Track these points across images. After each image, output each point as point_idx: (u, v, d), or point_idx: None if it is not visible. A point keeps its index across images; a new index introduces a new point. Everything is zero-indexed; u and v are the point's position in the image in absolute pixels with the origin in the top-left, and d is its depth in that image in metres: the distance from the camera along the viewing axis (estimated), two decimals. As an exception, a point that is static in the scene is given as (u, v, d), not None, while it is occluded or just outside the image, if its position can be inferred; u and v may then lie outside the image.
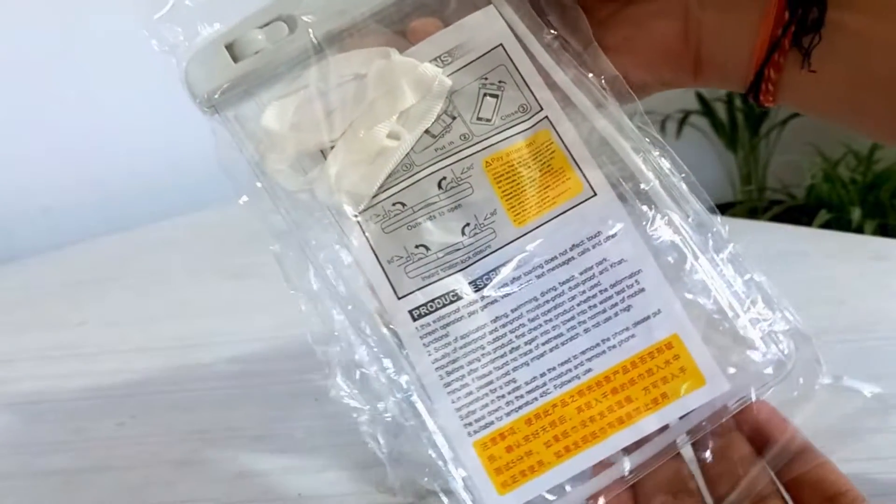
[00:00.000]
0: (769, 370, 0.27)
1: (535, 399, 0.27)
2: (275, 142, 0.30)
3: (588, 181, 0.29)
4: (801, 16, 0.28)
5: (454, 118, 0.30)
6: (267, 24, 0.30)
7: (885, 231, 1.31)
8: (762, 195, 1.60)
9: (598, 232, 0.28)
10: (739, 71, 0.30)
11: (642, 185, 0.29)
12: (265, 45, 0.30)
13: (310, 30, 0.30)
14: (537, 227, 0.29)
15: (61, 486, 0.41)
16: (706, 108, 1.57)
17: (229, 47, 0.30)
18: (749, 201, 1.59)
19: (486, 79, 0.30)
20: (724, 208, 1.55)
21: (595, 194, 0.29)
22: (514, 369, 0.28)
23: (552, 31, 0.30)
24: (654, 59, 0.31)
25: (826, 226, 1.32)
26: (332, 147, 0.30)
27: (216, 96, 0.30)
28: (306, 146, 0.30)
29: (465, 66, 0.30)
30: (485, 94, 0.30)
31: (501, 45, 0.30)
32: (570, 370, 0.27)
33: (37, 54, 0.90)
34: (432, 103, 0.30)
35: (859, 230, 1.28)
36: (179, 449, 0.43)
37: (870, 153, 1.42)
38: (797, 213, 1.44)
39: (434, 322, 0.28)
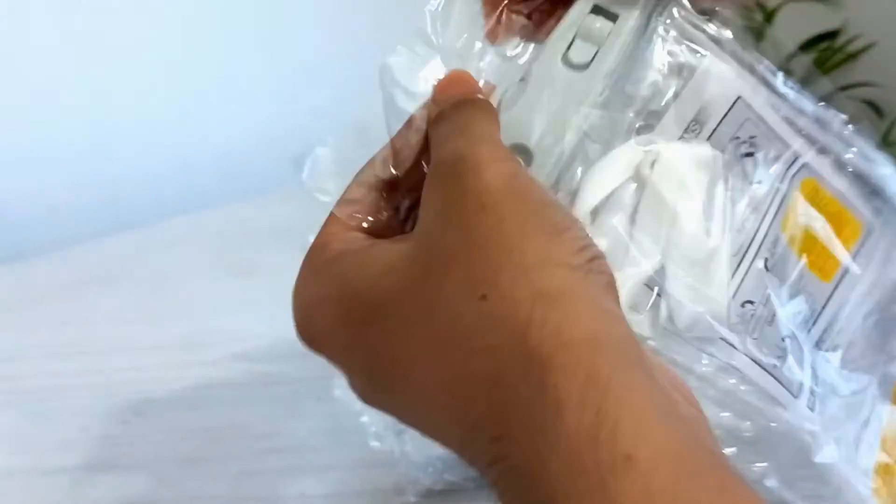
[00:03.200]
0: None
1: None
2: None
3: (863, 219, 0.29)
4: None
5: (731, 190, 0.27)
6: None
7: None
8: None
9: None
10: None
11: None
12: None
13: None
14: (843, 276, 0.28)
15: (67, 484, 0.41)
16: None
17: None
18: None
19: (737, 138, 0.27)
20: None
21: (875, 229, 0.29)
22: None
23: (785, 76, 0.28)
24: None
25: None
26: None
27: None
28: (636, 279, 0.26)
29: (714, 131, 0.27)
30: (742, 155, 0.27)
31: (740, 97, 0.27)
32: None
33: (42, 53, 0.91)
34: (721, 186, 0.27)
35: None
36: (184, 447, 0.43)
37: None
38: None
39: None
